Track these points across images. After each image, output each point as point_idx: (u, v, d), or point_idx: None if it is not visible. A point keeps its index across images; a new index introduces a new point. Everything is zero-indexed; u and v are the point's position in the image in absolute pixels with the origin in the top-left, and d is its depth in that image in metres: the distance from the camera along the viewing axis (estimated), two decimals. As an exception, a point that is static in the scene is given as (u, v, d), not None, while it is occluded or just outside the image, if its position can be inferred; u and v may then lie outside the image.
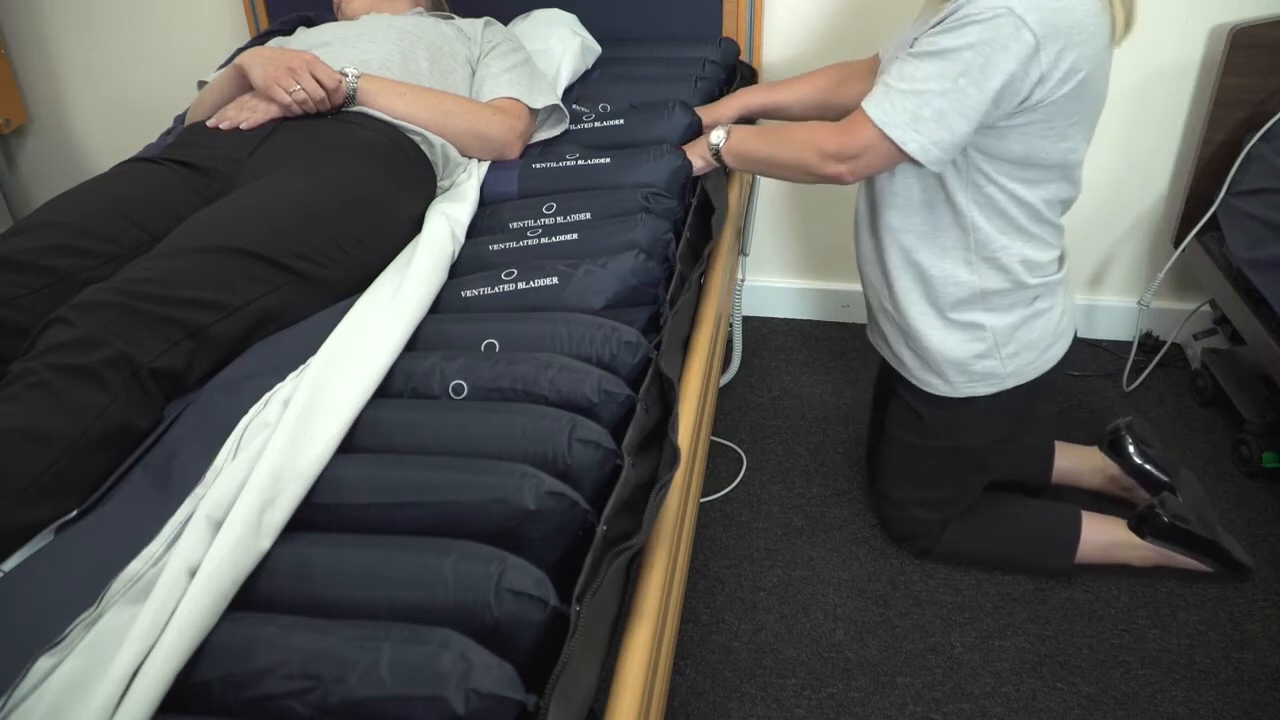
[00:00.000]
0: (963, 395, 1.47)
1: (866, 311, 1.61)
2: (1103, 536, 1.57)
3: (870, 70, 1.54)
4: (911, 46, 1.24)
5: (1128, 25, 1.24)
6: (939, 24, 1.21)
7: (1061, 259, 1.44)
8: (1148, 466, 1.66)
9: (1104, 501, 1.70)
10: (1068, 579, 1.59)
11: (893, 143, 1.22)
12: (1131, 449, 1.68)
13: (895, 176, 1.36)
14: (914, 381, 1.51)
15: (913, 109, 1.20)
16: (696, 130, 1.54)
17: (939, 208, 1.36)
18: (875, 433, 1.74)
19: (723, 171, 1.49)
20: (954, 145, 1.22)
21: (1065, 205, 1.38)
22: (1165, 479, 1.64)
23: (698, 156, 1.42)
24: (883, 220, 1.41)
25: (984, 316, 1.41)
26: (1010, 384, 1.45)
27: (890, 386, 1.61)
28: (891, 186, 1.37)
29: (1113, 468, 1.71)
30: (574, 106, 1.64)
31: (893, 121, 1.21)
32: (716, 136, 1.41)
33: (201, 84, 1.57)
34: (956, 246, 1.37)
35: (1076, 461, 1.74)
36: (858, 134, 1.24)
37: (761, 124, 1.67)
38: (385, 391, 0.98)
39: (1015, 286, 1.39)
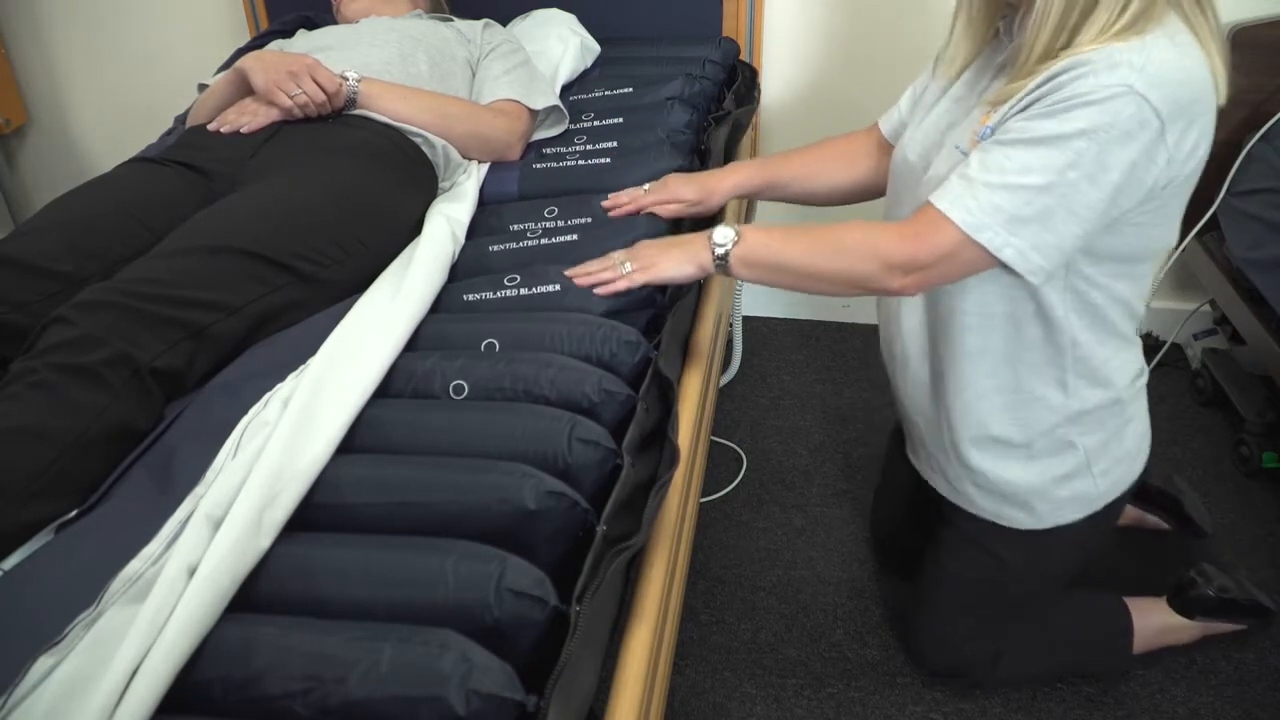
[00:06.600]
0: (1048, 525, 1.24)
1: (904, 427, 1.39)
2: (1151, 624, 1.42)
3: (876, 145, 1.34)
4: (986, 134, 1.02)
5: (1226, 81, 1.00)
6: (1027, 105, 0.98)
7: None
8: (1146, 491, 1.61)
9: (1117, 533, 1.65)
10: (1126, 674, 1.45)
11: (982, 248, 0.99)
12: None
13: (968, 291, 1.11)
14: (984, 516, 1.27)
15: (1008, 207, 0.96)
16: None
17: (1026, 324, 1.11)
18: (903, 544, 1.49)
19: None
20: (1060, 250, 0.99)
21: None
22: (1166, 496, 1.60)
23: (689, 262, 1.10)
24: (949, 344, 1.17)
25: (1075, 436, 1.18)
26: (1101, 504, 1.23)
27: (933, 507, 1.35)
28: (963, 305, 1.12)
29: None
30: (573, 98, 1.64)
31: (982, 223, 0.97)
32: (723, 237, 1.09)
33: (202, 86, 1.57)
34: (1049, 366, 1.14)
35: None
36: (933, 239, 1.00)
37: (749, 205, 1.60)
38: (385, 391, 0.98)
39: (1112, 402, 1.16)
